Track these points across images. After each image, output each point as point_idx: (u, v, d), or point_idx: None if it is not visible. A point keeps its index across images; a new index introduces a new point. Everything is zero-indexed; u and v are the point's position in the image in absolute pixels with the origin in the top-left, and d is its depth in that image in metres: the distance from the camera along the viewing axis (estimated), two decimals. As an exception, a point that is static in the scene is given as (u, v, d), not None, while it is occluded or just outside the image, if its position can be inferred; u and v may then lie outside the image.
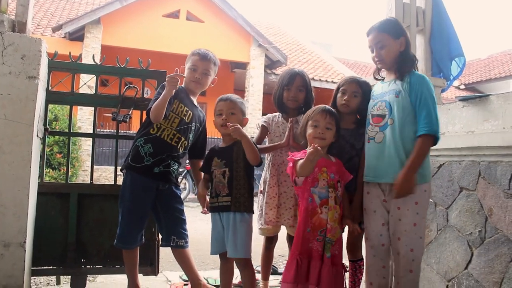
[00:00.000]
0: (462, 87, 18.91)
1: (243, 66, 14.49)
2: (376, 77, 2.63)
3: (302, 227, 2.31)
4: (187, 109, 2.75)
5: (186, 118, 2.75)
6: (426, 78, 2.39)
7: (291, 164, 2.36)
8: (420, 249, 2.35)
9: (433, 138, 2.27)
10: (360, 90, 2.63)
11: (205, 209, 2.63)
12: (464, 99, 2.81)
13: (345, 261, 2.83)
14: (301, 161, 2.28)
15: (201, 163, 2.91)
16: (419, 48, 3.54)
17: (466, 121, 2.77)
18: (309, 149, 2.17)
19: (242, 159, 2.48)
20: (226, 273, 2.52)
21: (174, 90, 2.57)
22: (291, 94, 2.76)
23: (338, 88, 2.70)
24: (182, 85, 2.84)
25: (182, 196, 2.96)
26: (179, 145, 2.72)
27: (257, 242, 3.00)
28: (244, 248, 2.42)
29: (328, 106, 2.51)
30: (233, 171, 2.47)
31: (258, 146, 2.74)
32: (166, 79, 2.57)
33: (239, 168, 2.48)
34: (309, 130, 2.41)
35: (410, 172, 2.23)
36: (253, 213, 2.50)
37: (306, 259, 2.29)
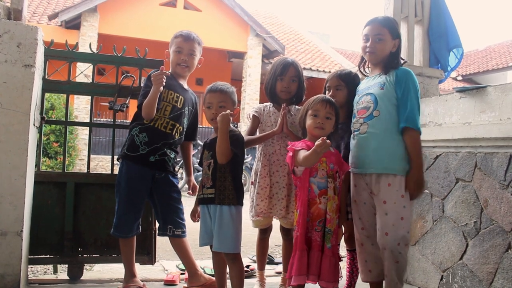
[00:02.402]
0: (460, 78, 18.90)
1: (240, 55, 14.43)
2: (361, 70, 2.65)
3: (302, 217, 2.30)
4: (178, 95, 2.74)
5: (178, 104, 2.73)
6: (411, 72, 2.43)
7: (290, 154, 2.34)
8: (406, 242, 2.36)
9: (417, 131, 2.35)
10: (342, 82, 2.65)
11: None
12: (461, 90, 2.81)
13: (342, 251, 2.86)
14: (303, 151, 2.26)
15: (191, 145, 2.98)
16: (417, 38, 3.53)
17: (463, 112, 2.78)
18: (317, 142, 2.14)
19: None
20: (218, 264, 2.49)
21: (161, 87, 2.57)
22: (284, 85, 2.72)
23: (325, 86, 2.73)
24: (169, 71, 2.83)
25: (179, 186, 2.95)
26: (174, 132, 2.71)
27: (253, 232, 3.02)
28: (230, 242, 2.34)
29: (327, 96, 2.49)
30: (217, 162, 2.37)
31: (251, 137, 2.73)
32: (152, 78, 2.55)
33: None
34: (309, 120, 2.39)
35: (419, 171, 2.32)
36: (242, 205, 2.42)
37: (306, 250, 2.29)
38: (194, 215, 2.61)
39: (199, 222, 2.51)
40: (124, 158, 2.71)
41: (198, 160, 2.65)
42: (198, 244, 2.52)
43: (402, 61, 2.54)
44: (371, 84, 2.48)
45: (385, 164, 2.35)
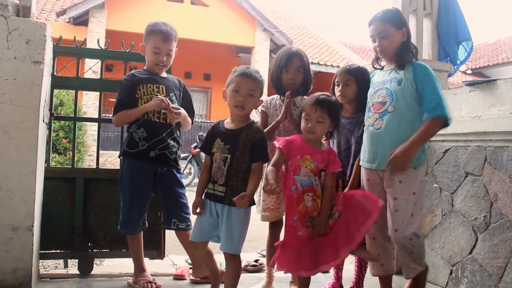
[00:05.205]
0: (469, 71, 18.72)
1: (248, 50, 14.41)
2: (375, 66, 2.62)
3: (287, 216, 2.31)
4: (157, 85, 2.73)
5: (160, 93, 2.72)
6: (428, 67, 2.41)
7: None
8: (418, 236, 2.37)
9: (443, 121, 2.29)
10: (351, 77, 2.60)
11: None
12: (471, 84, 2.78)
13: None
14: (270, 167, 2.27)
15: (190, 123, 2.87)
16: (426, 32, 3.50)
17: (473, 106, 2.75)
18: (266, 187, 2.13)
19: (248, 151, 2.25)
20: (209, 258, 2.46)
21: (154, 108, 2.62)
22: (289, 76, 2.67)
23: (333, 81, 2.69)
24: (144, 68, 2.83)
25: (188, 181, 2.96)
26: (167, 120, 2.69)
27: (261, 227, 3.02)
28: (235, 244, 2.27)
29: (322, 96, 2.38)
30: (235, 160, 2.24)
31: None
32: (157, 99, 2.59)
33: (242, 159, 2.25)
34: (302, 123, 2.37)
35: (412, 147, 2.25)
36: (253, 205, 2.34)
37: (297, 248, 2.27)
38: (196, 207, 2.36)
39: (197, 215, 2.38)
40: (124, 155, 2.73)
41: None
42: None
43: (414, 50, 2.49)
44: (387, 79, 2.45)
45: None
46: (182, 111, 2.72)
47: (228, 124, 2.35)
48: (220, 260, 3.22)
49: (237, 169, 2.25)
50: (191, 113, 2.90)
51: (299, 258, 2.26)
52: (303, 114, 2.37)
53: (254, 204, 2.37)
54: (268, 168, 2.29)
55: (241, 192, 2.19)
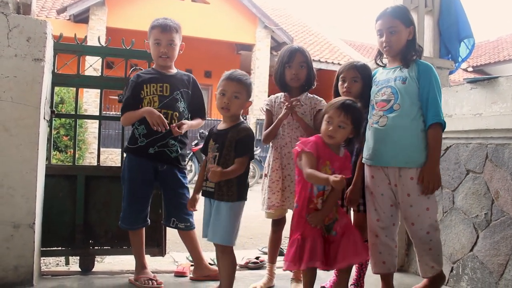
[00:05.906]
0: (470, 69, 18.70)
1: (248, 48, 14.39)
2: (378, 62, 2.62)
3: (298, 211, 2.29)
4: (161, 84, 2.72)
5: (164, 92, 2.71)
6: (433, 67, 2.42)
7: (298, 149, 2.28)
8: (435, 228, 2.39)
9: (441, 125, 2.36)
10: (359, 74, 2.59)
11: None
12: (472, 81, 2.78)
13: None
14: (309, 167, 2.19)
15: (200, 119, 2.89)
16: (427, 29, 3.49)
17: (474, 104, 2.75)
18: (335, 179, 2.06)
19: (234, 147, 2.32)
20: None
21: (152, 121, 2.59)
22: (293, 72, 2.67)
23: (338, 76, 2.67)
24: (153, 67, 2.84)
25: (188, 178, 2.95)
26: (168, 119, 2.67)
27: (262, 224, 3.02)
28: (223, 234, 2.30)
29: (348, 101, 2.32)
30: (222, 157, 2.32)
31: (266, 131, 2.72)
32: (155, 115, 2.57)
33: (228, 156, 2.32)
34: (323, 125, 2.32)
35: (435, 166, 2.32)
36: (244, 200, 2.38)
37: (311, 237, 2.24)
38: (192, 205, 2.50)
39: (202, 212, 2.46)
40: (126, 151, 2.75)
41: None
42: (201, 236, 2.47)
43: (420, 49, 2.50)
44: (391, 77, 2.45)
45: (406, 158, 2.35)
46: (185, 125, 2.71)
47: (220, 125, 2.47)
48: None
49: (224, 166, 2.29)
50: (201, 110, 2.91)
51: (313, 248, 2.22)
52: (325, 116, 2.32)
53: (244, 199, 2.38)
54: (308, 171, 2.20)
55: (226, 188, 2.31)
